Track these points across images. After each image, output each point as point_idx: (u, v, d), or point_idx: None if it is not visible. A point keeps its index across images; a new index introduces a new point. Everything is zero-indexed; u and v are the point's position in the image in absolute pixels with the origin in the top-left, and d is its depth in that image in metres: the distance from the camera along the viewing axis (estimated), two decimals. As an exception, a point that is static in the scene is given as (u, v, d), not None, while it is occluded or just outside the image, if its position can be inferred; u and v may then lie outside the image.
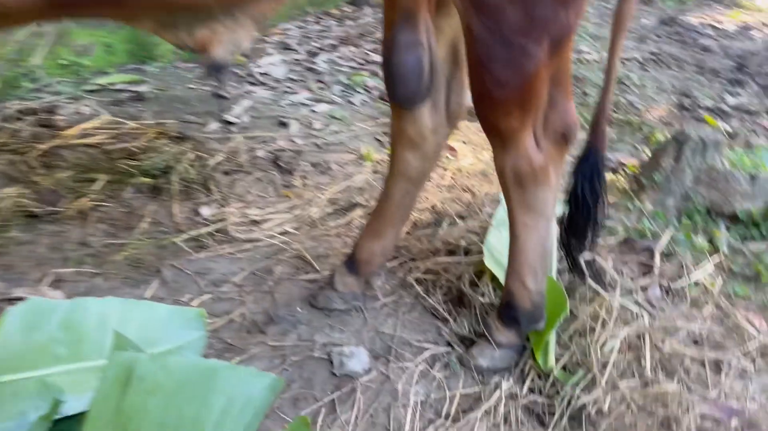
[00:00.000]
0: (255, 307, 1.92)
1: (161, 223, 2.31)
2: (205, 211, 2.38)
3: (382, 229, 1.86)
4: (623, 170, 2.81)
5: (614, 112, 3.44)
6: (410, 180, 1.79)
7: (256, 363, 1.72)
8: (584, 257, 1.76)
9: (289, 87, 3.51)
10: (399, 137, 1.75)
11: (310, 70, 3.77)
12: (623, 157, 2.96)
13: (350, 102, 3.46)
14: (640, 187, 2.53)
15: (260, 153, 2.84)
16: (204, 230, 2.25)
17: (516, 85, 1.39)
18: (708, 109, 3.75)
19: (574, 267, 1.72)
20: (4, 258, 2.05)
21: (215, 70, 1.46)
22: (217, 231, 2.26)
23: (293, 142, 2.99)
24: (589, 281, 1.79)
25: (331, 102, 3.39)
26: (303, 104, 3.32)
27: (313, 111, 3.25)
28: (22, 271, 2.00)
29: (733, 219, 2.35)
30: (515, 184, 1.56)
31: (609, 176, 2.73)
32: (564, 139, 1.56)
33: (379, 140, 3.09)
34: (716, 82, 4.26)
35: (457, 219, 2.27)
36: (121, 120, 2.82)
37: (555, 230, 1.78)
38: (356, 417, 1.57)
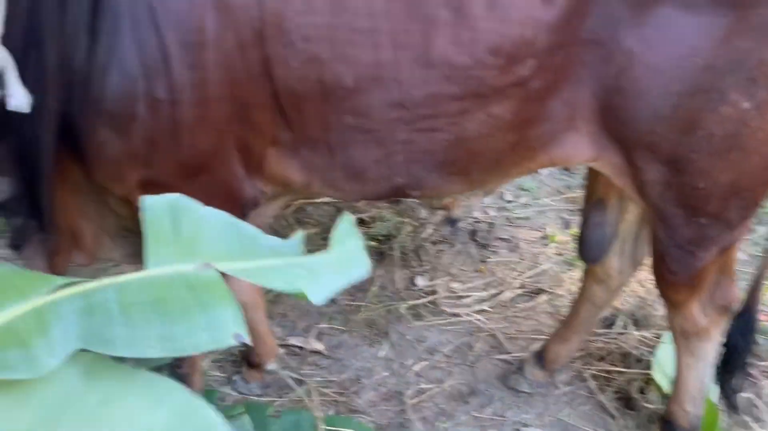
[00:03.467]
0: (460, 378, 2.50)
1: (387, 288, 2.96)
2: (420, 282, 2.99)
3: (569, 337, 2.35)
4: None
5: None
6: (595, 305, 2.25)
7: (461, 429, 2.30)
8: (741, 394, 2.13)
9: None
10: (590, 273, 2.21)
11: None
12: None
13: (537, 171, 3.90)
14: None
15: (461, 224, 3.41)
16: (420, 301, 2.86)
17: (685, 276, 1.79)
18: None
19: (728, 401, 2.09)
20: (279, 307, 2.80)
21: (450, 223, 2.03)
22: (430, 302, 2.87)
23: (487, 213, 3.52)
24: (741, 414, 2.16)
25: (522, 173, 3.84)
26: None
27: (506, 183, 3.74)
28: (292, 320, 2.75)
29: None
30: (681, 337, 1.98)
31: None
32: (725, 310, 1.93)
33: (563, 218, 3.52)
34: None
35: (631, 323, 2.68)
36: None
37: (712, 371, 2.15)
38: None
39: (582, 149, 1.63)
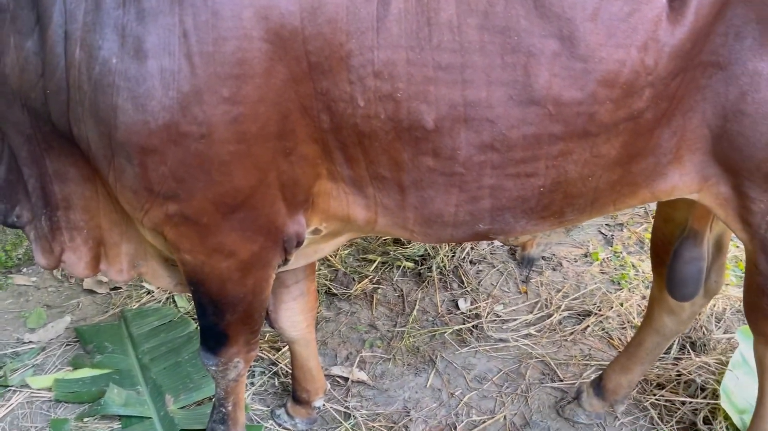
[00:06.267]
0: (513, 408, 2.39)
1: (428, 312, 2.85)
2: (462, 305, 2.88)
3: (631, 367, 2.23)
4: None
5: None
6: (663, 336, 2.13)
7: (520, 465, 2.19)
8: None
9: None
10: (659, 302, 2.09)
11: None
12: None
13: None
14: None
15: (497, 243, 3.29)
16: (464, 326, 2.75)
17: (787, 309, 1.68)
18: None
19: None
20: (318, 334, 2.69)
21: (527, 262, 1.91)
22: (474, 327, 2.76)
23: (525, 229, 3.41)
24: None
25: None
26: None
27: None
28: (333, 348, 2.64)
29: None
30: None
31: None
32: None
33: (603, 234, 3.41)
34: None
35: (688, 348, 2.57)
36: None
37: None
38: None
39: (687, 181, 1.51)
